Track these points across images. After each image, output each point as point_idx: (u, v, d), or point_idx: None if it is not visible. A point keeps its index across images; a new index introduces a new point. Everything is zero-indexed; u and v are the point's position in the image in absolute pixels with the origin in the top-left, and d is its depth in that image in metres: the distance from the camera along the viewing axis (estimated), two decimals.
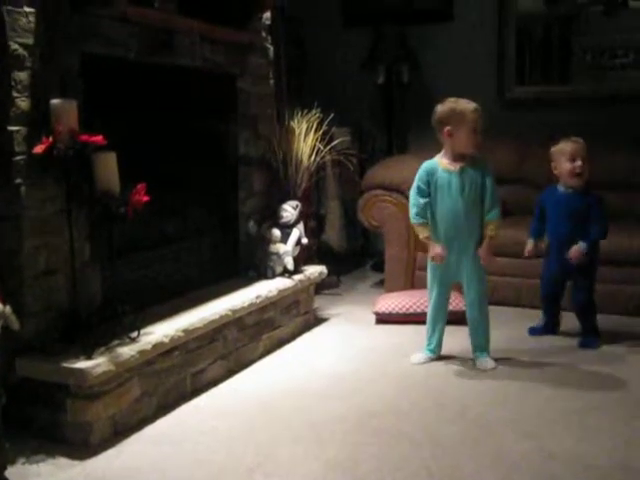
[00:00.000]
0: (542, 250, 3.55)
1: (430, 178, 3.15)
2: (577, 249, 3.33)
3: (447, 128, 3.09)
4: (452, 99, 3.13)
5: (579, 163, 3.37)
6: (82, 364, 2.41)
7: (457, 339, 3.41)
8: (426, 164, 3.20)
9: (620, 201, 4.31)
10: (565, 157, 3.40)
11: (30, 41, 2.49)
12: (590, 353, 3.38)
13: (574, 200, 3.40)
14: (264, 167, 3.94)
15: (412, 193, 3.21)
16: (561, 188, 3.46)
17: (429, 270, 3.26)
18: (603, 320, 3.63)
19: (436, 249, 3.15)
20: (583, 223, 3.37)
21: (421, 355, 3.31)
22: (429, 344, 3.31)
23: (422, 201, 3.16)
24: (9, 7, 2.42)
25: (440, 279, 3.23)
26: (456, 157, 3.13)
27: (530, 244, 3.55)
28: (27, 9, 2.48)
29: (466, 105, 3.09)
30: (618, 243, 3.83)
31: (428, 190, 3.16)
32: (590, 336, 3.47)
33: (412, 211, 3.20)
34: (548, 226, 3.51)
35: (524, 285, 4.11)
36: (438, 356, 3.31)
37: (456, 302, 3.61)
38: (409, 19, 5.30)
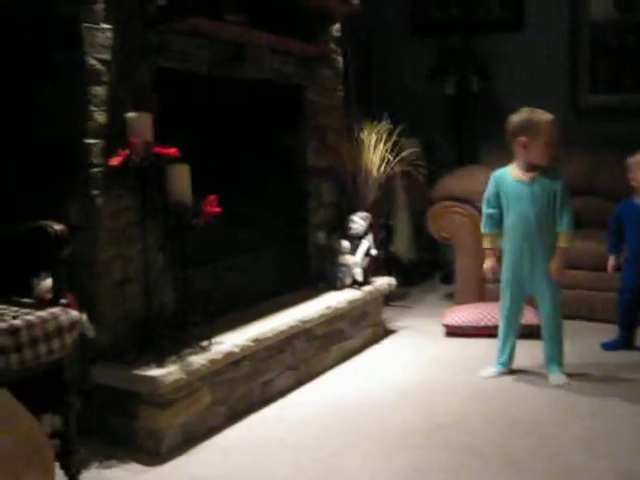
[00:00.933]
0: (621, 264, 3.47)
1: (499, 189, 3.14)
2: None
3: (522, 139, 3.05)
4: (527, 109, 3.09)
5: None
6: (154, 372, 2.46)
7: (529, 353, 3.35)
8: (496, 174, 3.18)
9: None
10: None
11: (107, 57, 2.57)
12: None
13: None
14: (333, 178, 3.96)
15: (483, 203, 3.22)
16: (635, 199, 3.38)
17: (502, 282, 3.22)
18: None
19: (489, 263, 3.19)
20: None
21: (492, 369, 3.26)
22: (500, 357, 3.26)
23: (489, 212, 3.18)
24: (87, 24, 2.50)
25: (512, 291, 3.18)
26: (529, 168, 3.08)
27: (612, 260, 3.50)
28: (104, 26, 2.55)
29: (542, 116, 3.05)
30: None
31: (497, 201, 3.14)
32: None
33: (482, 220, 3.22)
34: (627, 239, 3.44)
35: (597, 298, 4.01)
36: (509, 370, 3.26)
37: (530, 316, 3.54)
38: (478, 29, 5.26)
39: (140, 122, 2.57)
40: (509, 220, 3.13)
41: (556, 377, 3.14)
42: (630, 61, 5.01)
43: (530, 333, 3.46)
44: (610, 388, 3.07)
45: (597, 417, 2.77)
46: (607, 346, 3.57)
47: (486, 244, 3.21)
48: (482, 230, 3.23)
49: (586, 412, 2.82)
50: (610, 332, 3.63)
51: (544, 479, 2.29)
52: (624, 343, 3.55)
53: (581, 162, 4.57)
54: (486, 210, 3.19)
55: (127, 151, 2.51)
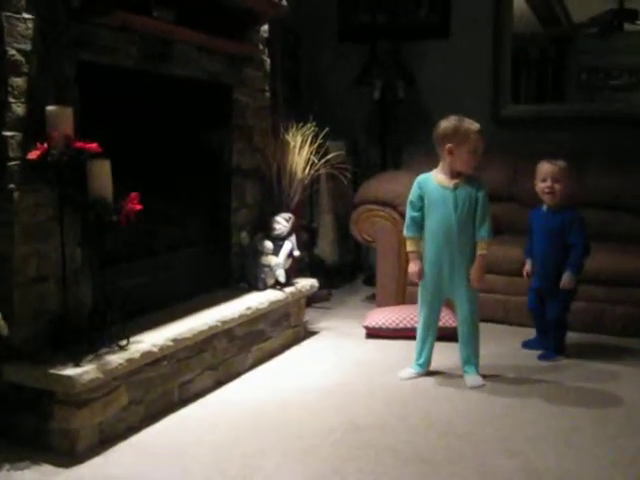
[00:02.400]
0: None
1: (423, 192, 3.19)
2: (567, 280, 3.43)
3: (449, 145, 3.11)
4: (456, 117, 3.14)
5: (547, 184, 3.49)
6: (70, 371, 2.41)
7: (447, 355, 3.42)
8: (420, 178, 3.23)
9: (606, 220, 4.41)
10: (539, 177, 3.53)
11: (28, 47, 2.50)
12: (577, 371, 3.39)
13: (550, 218, 3.51)
14: (258, 179, 3.95)
15: (407, 206, 3.25)
16: (543, 206, 3.57)
17: (420, 285, 3.27)
18: (590, 339, 3.73)
19: (414, 267, 3.21)
20: (560, 240, 3.47)
21: (410, 370, 3.31)
22: (418, 359, 3.31)
23: (412, 215, 3.21)
24: (8, 13, 2.43)
25: (431, 295, 3.24)
26: (453, 174, 3.14)
27: (528, 265, 3.64)
28: (26, 15, 2.48)
29: (470, 125, 3.11)
30: (604, 263, 3.89)
31: (420, 204, 3.19)
32: (552, 350, 3.55)
33: (405, 223, 3.25)
34: (534, 244, 3.61)
35: (512, 302, 4.12)
36: (427, 372, 3.32)
37: (447, 318, 3.62)
38: (405, 35, 5.34)
39: (61, 115, 2.51)
40: (430, 224, 3.18)
41: (472, 379, 3.20)
42: (551, 73, 5.17)
43: (448, 335, 3.53)
44: (524, 389, 3.15)
45: (511, 417, 2.84)
46: (526, 345, 3.71)
47: (410, 247, 3.24)
48: (405, 233, 3.26)
49: (500, 413, 2.89)
50: (524, 335, 3.75)
51: (459, 479, 2.34)
52: (539, 345, 3.66)
53: (501, 170, 4.69)
54: (410, 213, 3.22)
55: (46, 145, 2.46)
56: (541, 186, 3.51)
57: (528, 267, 3.63)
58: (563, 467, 2.42)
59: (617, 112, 4.92)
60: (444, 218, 3.14)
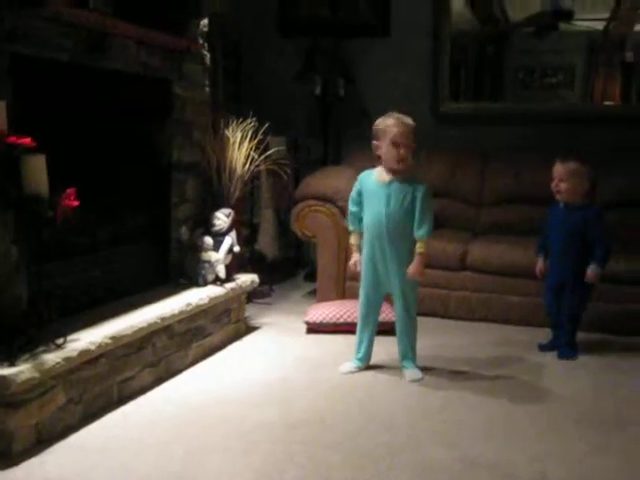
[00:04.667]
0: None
1: (361, 188, 3.23)
2: (592, 273, 3.46)
3: (374, 142, 3.17)
4: (388, 114, 3.17)
5: (554, 183, 3.56)
6: (5, 371, 2.35)
7: (386, 349, 3.45)
8: (362, 174, 3.27)
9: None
10: (553, 176, 3.60)
11: None
12: (509, 364, 3.46)
13: (568, 215, 3.55)
14: (198, 174, 3.93)
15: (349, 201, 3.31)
16: (560, 204, 3.62)
17: (360, 280, 3.30)
18: (527, 332, 3.81)
19: (352, 258, 3.27)
20: (580, 237, 3.51)
21: (350, 365, 3.33)
22: (358, 354, 3.34)
23: (352, 209, 3.27)
24: None
25: (369, 289, 3.27)
26: (390, 170, 3.17)
27: (540, 262, 3.68)
28: None
29: (389, 120, 3.13)
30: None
31: (359, 199, 3.23)
32: (565, 345, 3.58)
33: (348, 218, 3.30)
34: (550, 240, 3.65)
35: (452, 297, 4.20)
36: (367, 366, 3.35)
37: (386, 313, 3.65)
38: (345, 32, 5.36)
39: None
40: (365, 219, 3.22)
41: (411, 373, 3.24)
42: (489, 71, 5.26)
43: (388, 330, 3.56)
44: (461, 382, 3.21)
45: (449, 410, 2.89)
46: (543, 348, 3.68)
47: (352, 240, 3.29)
48: (349, 227, 3.31)
49: (439, 406, 2.94)
50: (463, 329, 3.81)
51: (399, 472, 2.37)
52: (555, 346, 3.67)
53: (440, 166, 4.75)
54: (350, 208, 3.28)
55: None
56: (552, 185, 3.59)
57: (541, 265, 3.66)
58: (499, 458, 2.47)
59: (552, 110, 5.04)
60: (376, 213, 3.17)
